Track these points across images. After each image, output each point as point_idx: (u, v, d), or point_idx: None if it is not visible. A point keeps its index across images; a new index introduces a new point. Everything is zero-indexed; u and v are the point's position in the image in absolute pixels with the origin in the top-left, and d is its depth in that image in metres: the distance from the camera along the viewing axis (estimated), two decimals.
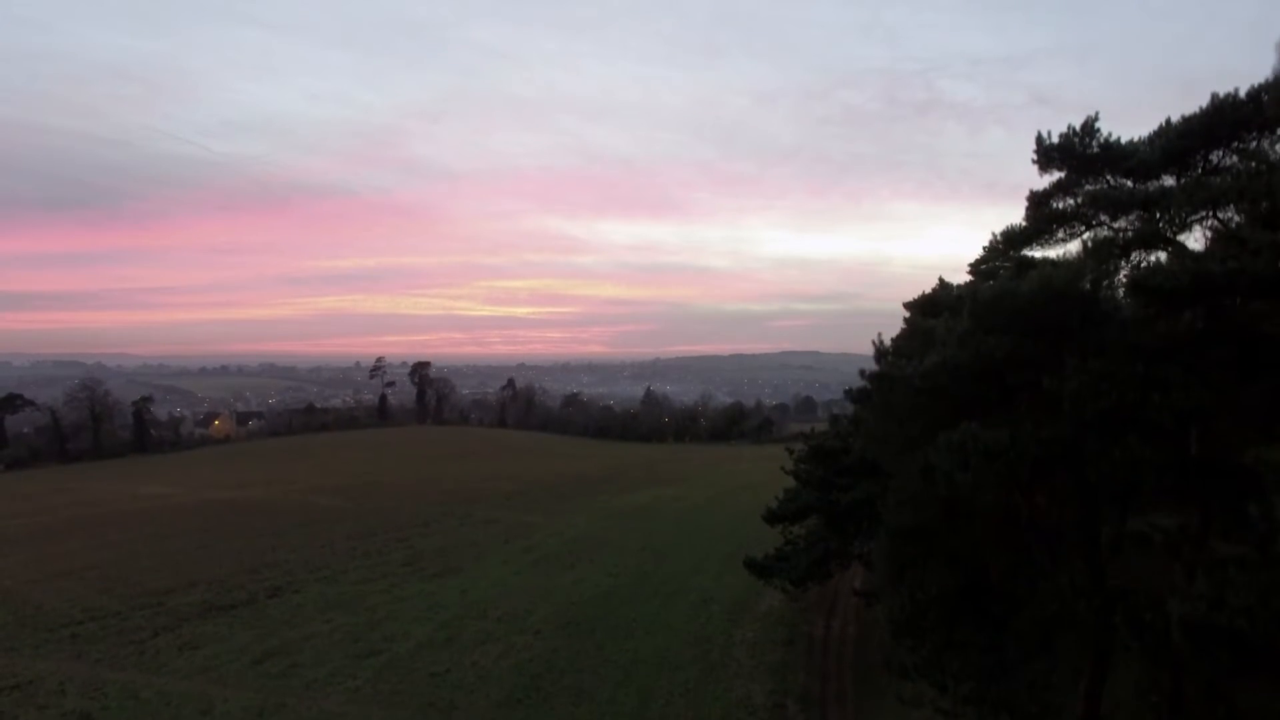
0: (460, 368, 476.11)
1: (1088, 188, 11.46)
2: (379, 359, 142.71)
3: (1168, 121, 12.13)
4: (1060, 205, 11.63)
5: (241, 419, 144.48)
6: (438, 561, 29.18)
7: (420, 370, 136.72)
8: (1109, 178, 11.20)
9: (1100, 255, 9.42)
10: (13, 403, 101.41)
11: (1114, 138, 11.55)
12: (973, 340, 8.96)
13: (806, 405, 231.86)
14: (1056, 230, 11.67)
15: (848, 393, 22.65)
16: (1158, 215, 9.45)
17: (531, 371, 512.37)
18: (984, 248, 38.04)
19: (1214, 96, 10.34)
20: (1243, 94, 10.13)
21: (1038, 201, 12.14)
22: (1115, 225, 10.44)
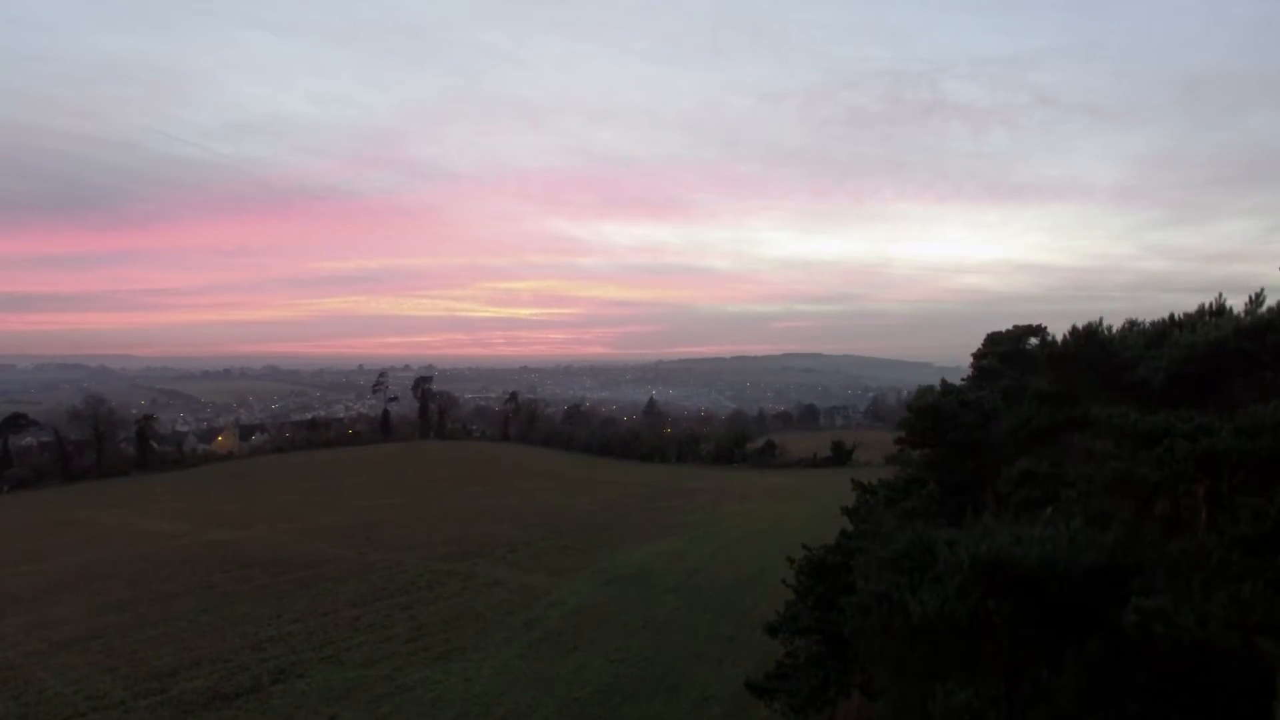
0: (463, 370, 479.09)
1: (1089, 383, 11.48)
2: (382, 374, 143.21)
3: (1172, 318, 12.15)
4: (1064, 405, 11.63)
5: (245, 432, 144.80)
6: (441, 638, 29.22)
7: (423, 384, 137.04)
8: (1108, 382, 11.20)
9: (1102, 517, 9.41)
10: (16, 422, 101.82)
11: (1116, 338, 11.57)
12: (972, 595, 8.97)
13: (809, 414, 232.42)
14: (1060, 434, 11.65)
15: (846, 511, 22.64)
16: (1160, 458, 9.44)
17: (534, 375, 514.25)
18: (987, 335, 38.14)
19: (1221, 320, 10.33)
20: (1247, 321, 10.13)
21: (1041, 398, 12.13)
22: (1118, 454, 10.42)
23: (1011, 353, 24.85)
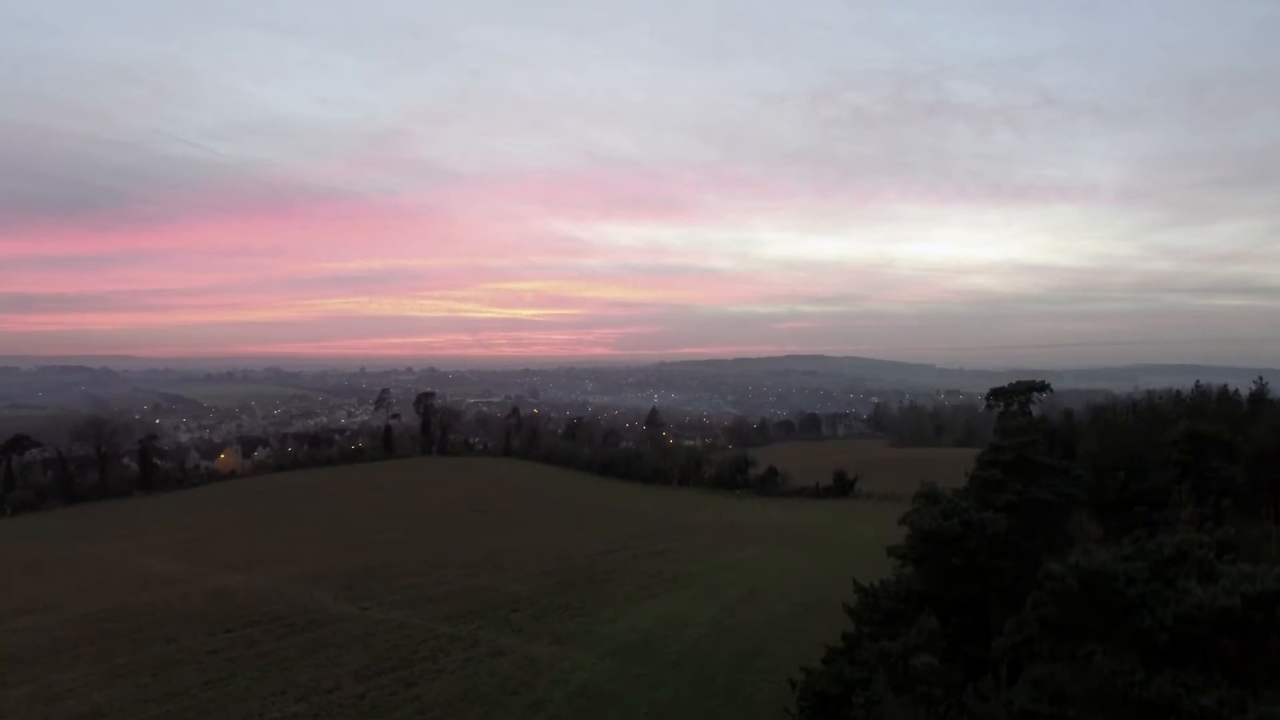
0: (465, 373, 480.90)
1: (1092, 622, 11.47)
2: (384, 391, 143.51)
3: (1178, 550, 12.12)
4: (1067, 640, 11.62)
5: (246, 446, 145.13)
6: None
7: (425, 399, 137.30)
8: (1112, 622, 11.18)
9: None
10: (19, 444, 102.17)
11: (1120, 571, 11.54)
12: None
13: (811, 423, 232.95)
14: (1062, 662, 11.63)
15: (848, 611, 22.61)
16: None
17: (536, 378, 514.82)
18: (990, 390, 38.14)
19: (1230, 583, 10.31)
20: (1255, 590, 10.09)
21: (1045, 626, 12.12)
22: None
23: (1015, 461, 24.78)
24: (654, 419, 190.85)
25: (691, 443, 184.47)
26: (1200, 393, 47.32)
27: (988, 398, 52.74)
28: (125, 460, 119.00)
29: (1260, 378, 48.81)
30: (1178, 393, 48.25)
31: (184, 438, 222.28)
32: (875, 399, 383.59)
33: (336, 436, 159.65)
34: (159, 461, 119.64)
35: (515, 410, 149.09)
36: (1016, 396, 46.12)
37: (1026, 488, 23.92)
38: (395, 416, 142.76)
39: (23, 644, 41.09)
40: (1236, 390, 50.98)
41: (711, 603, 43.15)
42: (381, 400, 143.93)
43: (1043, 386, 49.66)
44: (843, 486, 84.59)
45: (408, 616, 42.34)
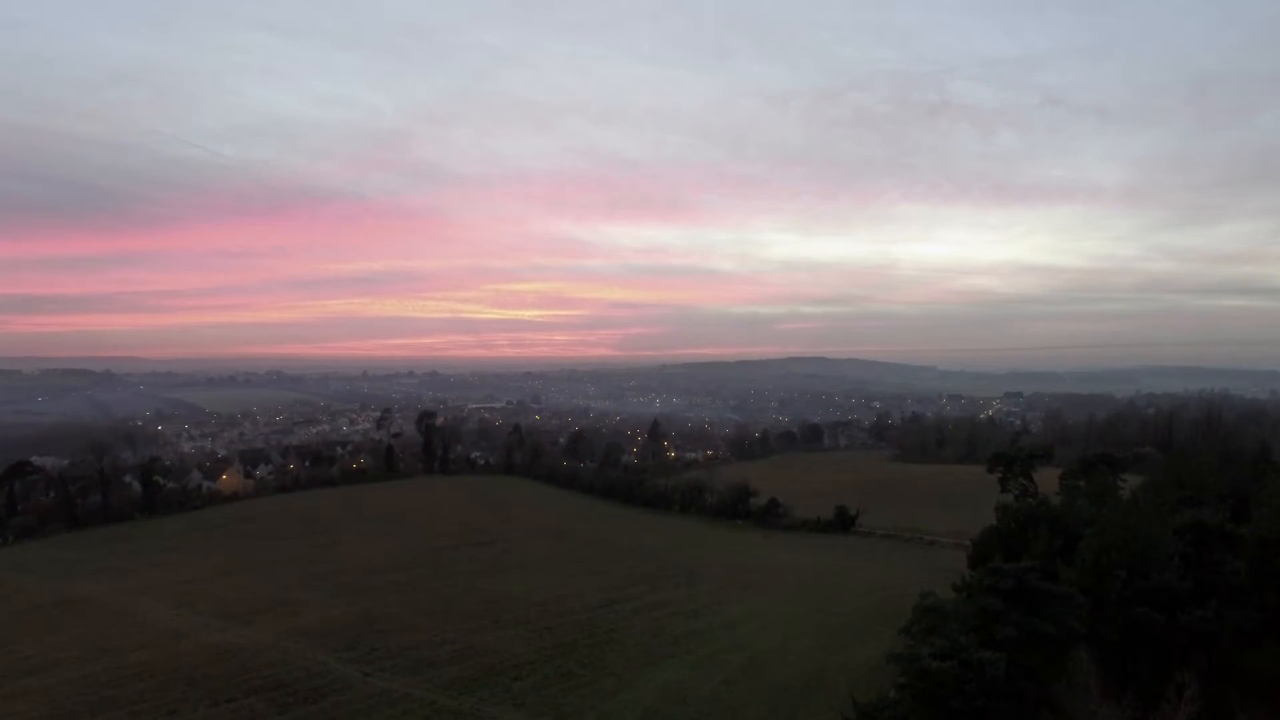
0: (467, 376, 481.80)
1: None
2: (385, 411, 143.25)
3: None
4: None
5: (248, 461, 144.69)
6: None
7: (426, 419, 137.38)
8: None
9: None
10: (21, 470, 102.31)
11: None
12: None
13: (813, 434, 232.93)
14: None
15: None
16: None
17: (537, 381, 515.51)
18: (991, 454, 38.34)
19: None
20: None
21: None
22: None
23: (1016, 590, 24.64)
24: (656, 431, 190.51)
25: (693, 455, 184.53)
26: (1201, 458, 47.10)
27: (988, 463, 52.43)
28: (128, 479, 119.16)
29: (1266, 440, 48.86)
30: (1181, 454, 47.96)
31: (186, 446, 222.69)
32: (877, 404, 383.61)
33: (339, 450, 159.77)
34: (161, 480, 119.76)
35: (517, 427, 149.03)
36: (1018, 461, 45.60)
37: (1027, 619, 23.70)
38: (397, 435, 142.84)
39: (22, 714, 41.08)
40: (1241, 452, 50.98)
41: (712, 673, 42.94)
42: (383, 421, 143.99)
43: (1046, 453, 49.36)
44: (844, 521, 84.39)
45: (409, 685, 42.20)
